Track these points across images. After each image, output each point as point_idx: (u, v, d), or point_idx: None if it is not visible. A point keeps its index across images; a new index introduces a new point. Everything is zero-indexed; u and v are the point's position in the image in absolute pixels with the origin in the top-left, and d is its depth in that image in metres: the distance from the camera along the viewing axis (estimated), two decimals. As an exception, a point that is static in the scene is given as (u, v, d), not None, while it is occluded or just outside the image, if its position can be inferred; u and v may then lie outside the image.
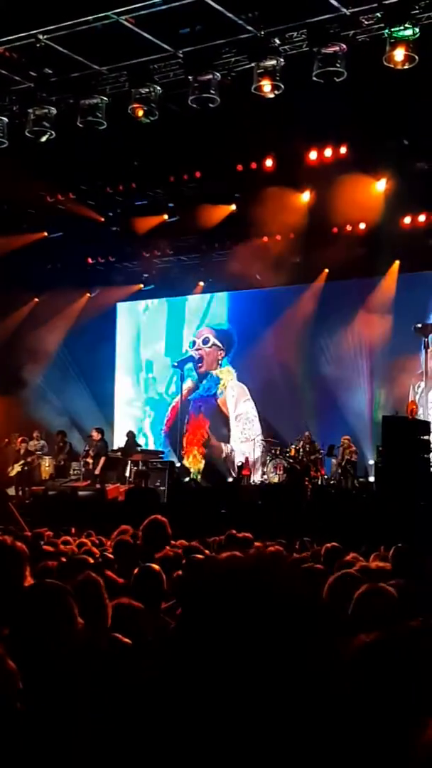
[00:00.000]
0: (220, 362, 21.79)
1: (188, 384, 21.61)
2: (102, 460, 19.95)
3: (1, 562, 3.88)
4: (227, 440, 21.54)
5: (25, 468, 21.17)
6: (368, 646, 1.67)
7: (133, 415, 23.42)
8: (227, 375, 21.70)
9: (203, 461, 21.27)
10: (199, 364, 21.73)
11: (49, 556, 7.08)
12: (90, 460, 20.34)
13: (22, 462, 21.22)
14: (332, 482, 18.10)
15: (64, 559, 6.53)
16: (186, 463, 20.81)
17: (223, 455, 21.19)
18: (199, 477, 20.61)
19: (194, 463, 21.11)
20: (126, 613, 4.37)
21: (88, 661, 3.34)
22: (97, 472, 19.88)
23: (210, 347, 21.74)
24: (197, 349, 21.74)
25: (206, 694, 1.33)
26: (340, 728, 1.38)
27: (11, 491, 19.64)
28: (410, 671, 1.58)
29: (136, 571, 5.53)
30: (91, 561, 6.29)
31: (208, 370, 21.86)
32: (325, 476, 18.30)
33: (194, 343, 21.84)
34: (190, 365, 21.59)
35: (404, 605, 4.25)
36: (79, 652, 3.28)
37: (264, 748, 1.30)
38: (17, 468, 21.20)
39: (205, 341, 21.78)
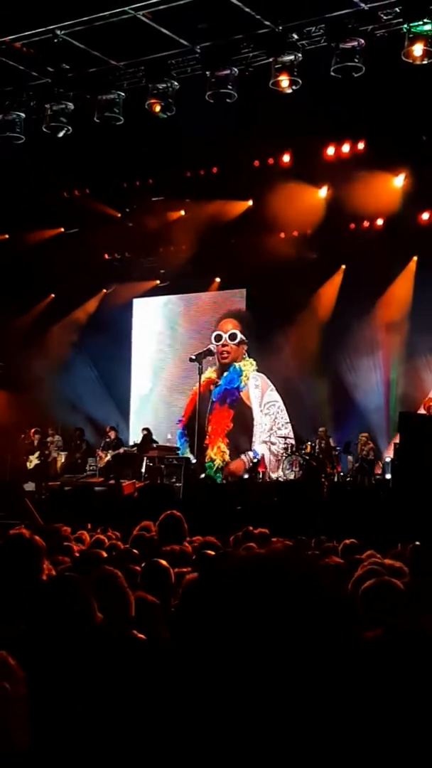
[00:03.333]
0: (244, 356, 21.54)
1: (209, 376, 21.31)
2: (110, 453, 20.24)
3: (19, 555, 3.87)
4: (250, 433, 21.20)
5: (42, 459, 21.25)
6: (376, 642, 1.63)
7: (149, 411, 23.39)
8: (249, 367, 21.50)
9: (229, 452, 21.01)
10: (224, 357, 21.35)
11: (69, 551, 7.06)
12: (102, 455, 20.50)
13: (38, 454, 21.29)
14: (348, 479, 18.06)
15: (77, 554, 6.51)
16: (211, 454, 20.67)
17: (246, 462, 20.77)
18: (222, 468, 20.43)
19: (219, 454, 20.93)
20: (142, 607, 4.35)
21: (106, 656, 3.32)
22: (101, 464, 20.08)
23: (237, 344, 21.36)
24: (223, 345, 21.33)
25: (219, 691, 1.31)
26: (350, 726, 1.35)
27: (30, 486, 19.69)
28: (418, 668, 1.54)
29: (142, 565, 5.50)
30: (105, 555, 6.26)
31: (232, 363, 21.52)
32: (341, 473, 18.26)
33: (220, 336, 21.41)
34: (209, 359, 21.16)
35: (421, 603, 4.23)
36: (97, 646, 3.27)
37: (273, 749, 1.27)
38: (34, 460, 21.26)
39: (232, 337, 21.35)
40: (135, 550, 6.95)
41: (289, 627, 1.31)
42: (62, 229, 22.10)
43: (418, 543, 7.47)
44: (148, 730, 2.60)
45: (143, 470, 19.52)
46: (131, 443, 21.36)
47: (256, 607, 1.32)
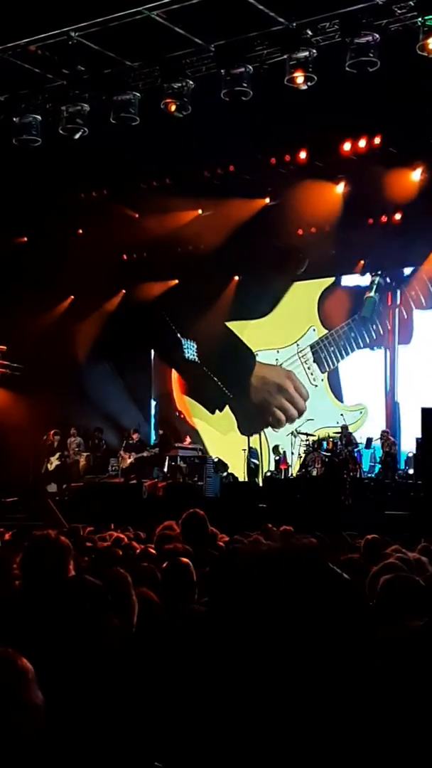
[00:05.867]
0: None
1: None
2: (133, 455, 20.23)
3: (45, 555, 3.90)
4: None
5: (63, 461, 21.30)
6: (393, 641, 1.62)
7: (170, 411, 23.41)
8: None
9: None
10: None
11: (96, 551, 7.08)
12: (125, 456, 20.52)
13: (58, 455, 21.36)
14: (371, 475, 18.04)
15: (93, 556, 6.51)
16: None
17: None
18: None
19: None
20: (146, 607, 4.37)
21: (120, 658, 3.34)
22: (124, 465, 20.11)
23: None
24: None
25: (235, 689, 1.31)
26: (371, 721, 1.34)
27: (53, 488, 19.75)
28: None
29: (165, 564, 5.50)
30: (120, 553, 6.26)
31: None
32: (364, 469, 18.22)
33: None
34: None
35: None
36: (113, 648, 3.29)
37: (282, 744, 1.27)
38: (55, 462, 21.33)
39: None
40: (156, 550, 6.97)
41: (297, 621, 1.30)
42: (80, 231, 22.13)
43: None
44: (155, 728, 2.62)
45: (165, 469, 19.58)
46: (152, 442, 21.41)
47: (263, 601, 1.32)
